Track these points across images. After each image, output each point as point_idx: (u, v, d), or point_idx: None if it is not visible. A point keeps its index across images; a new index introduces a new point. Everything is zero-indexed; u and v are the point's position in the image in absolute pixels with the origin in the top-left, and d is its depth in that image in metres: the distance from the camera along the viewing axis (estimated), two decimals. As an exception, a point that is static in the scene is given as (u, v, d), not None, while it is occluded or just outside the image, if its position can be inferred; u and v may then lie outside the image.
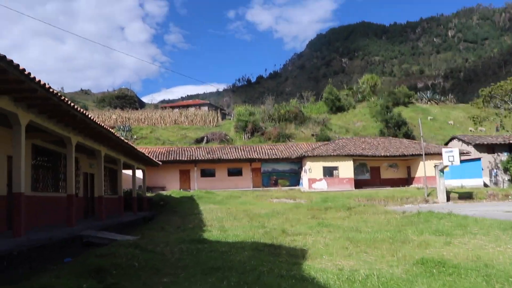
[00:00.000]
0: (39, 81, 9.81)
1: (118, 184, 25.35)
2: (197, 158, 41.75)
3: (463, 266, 8.10)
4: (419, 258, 9.01)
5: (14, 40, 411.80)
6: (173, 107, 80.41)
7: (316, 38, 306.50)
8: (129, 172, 30.83)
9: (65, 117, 13.31)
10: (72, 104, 12.07)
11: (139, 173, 32.78)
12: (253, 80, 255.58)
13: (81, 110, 12.97)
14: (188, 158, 41.74)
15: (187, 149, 45.50)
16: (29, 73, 9.30)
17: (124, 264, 8.36)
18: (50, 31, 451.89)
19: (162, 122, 63.54)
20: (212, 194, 34.37)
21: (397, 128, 55.35)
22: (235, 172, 44.12)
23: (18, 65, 8.78)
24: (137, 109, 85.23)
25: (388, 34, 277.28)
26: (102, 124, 15.58)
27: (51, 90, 10.54)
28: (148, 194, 34.18)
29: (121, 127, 56.48)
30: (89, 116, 13.72)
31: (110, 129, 16.73)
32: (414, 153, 40.80)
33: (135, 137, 54.74)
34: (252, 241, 12.72)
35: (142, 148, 32.28)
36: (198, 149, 45.45)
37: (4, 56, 8.22)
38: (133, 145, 22.70)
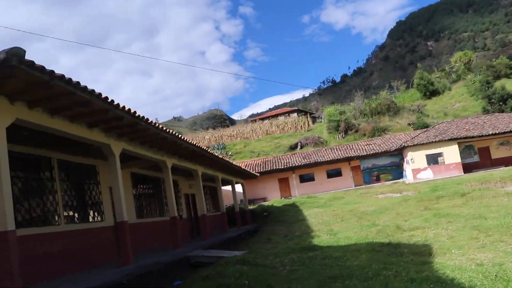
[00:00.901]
0: (124, 107, 9.60)
1: (219, 201, 25.25)
2: (294, 165, 41.15)
3: None
4: None
5: (108, 82, 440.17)
6: (263, 119, 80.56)
7: (396, 26, 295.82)
8: (228, 188, 30.82)
9: (156, 140, 13.17)
10: (160, 126, 11.86)
11: (238, 188, 32.69)
12: (337, 80, 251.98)
13: (171, 131, 12.76)
14: (285, 166, 41.27)
15: (283, 157, 45.08)
16: (113, 100, 9.09)
17: (233, 284, 7.76)
18: (139, 69, 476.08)
19: (254, 135, 63.86)
20: (314, 198, 33.50)
21: (503, 102, 51.11)
22: (334, 174, 42.95)
23: (100, 94, 8.58)
24: (228, 126, 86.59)
25: (475, 6, 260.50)
26: (195, 143, 15.39)
27: (136, 114, 10.32)
28: (250, 207, 33.98)
29: (215, 145, 57.34)
30: (179, 136, 13.51)
31: (202, 147, 16.51)
32: (526, 126, 37.34)
33: (230, 153, 55.31)
34: (366, 242, 11.76)
35: (238, 163, 32.24)
36: (293, 155, 44.88)
37: (85, 87, 8.02)
38: (228, 160, 22.50)
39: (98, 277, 9.01)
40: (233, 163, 24.16)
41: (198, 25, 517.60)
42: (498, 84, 56.75)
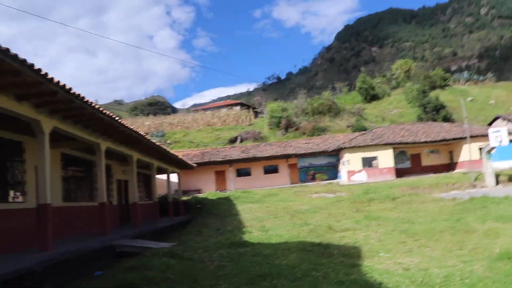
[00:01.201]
0: (58, 81, 9.03)
1: (152, 189, 24.69)
2: (232, 158, 40.91)
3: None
4: (503, 251, 7.76)
5: (50, 57, 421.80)
6: (205, 110, 79.72)
7: (344, 29, 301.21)
8: (163, 176, 30.21)
9: (91, 121, 12.56)
10: (97, 106, 11.29)
11: (174, 177, 32.12)
12: (283, 77, 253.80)
13: (108, 113, 12.19)
14: (223, 159, 40.95)
15: (222, 149, 44.76)
16: (46, 73, 8.52)
17: (158, 277, 7.44)
18: (83, 46, 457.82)
19: (195, 124, 63.03)
20: (250, 193, 33.44)
21: (436, 112, 53.19)
22: (271, 170, 43.13)
23: (33, 65, 8.01)
24: (169, 114, 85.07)
25: (417, 18, 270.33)
26: (133, 128, 14.82)
27: (72, 91, 9.75)
28: (184, 198, 33.50)
29: (154, 132, 56.18)
30: (117, 118, 12.95)
31: (140, 132, 15.95)
32: (456, 137, 38.90)
33: (169, 142, 54.33)
34: (297, 241, 11.71)
35: (175, 152, 31.61)
36: (232, 149, 44.65)
37: (16, 55, 7.44)
38: (166, 148, 21.96)
39: (13, 262, 8.38)
40: (171, 151, 23.60)
41: (149, 8, 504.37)
42: (433, 94, 58.99)
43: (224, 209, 26.74)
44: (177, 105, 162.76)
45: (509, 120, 41.87)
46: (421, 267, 7.61)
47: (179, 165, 29.61)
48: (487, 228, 11.07)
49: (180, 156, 26.79)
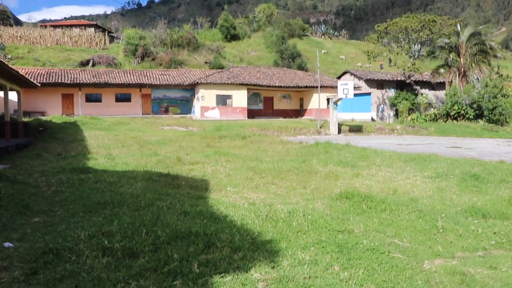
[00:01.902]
0: None
1: (-14, 105, 22.08)
2: (81, 82, 38.10)
3: (391, 201, 7.33)
4: (342, 191, 8.11)
5: None
6: (55, 27, 72.81)
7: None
8: (0, 93, 27.16)
9: None
10: None
11: (13, 96, 29.10)
12: (144, 4, 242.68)
13: None
14: (72, 81, 37.96)
15: (71, 71, 41.44)
16: None
17: (-22, 200, 6.50)
18: None
19: (42, 42, 57.27)
20: (98, 120, 31.72)
21: (292, 59, 55.10)
22: (123, 98, 41.33)
23: None
24: (11, 26, 76.30)
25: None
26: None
27: None
28: (25, 119, 30.68)
29: (-8, 44, 50.14)
30: None
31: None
32: (308, 85, 40.72)
33: (9, 56, 49.00)
34: (144, 170, 11.22)
35: (18, 68, 28.45)
36: (83, 72, 41.60)
37: None
38: (3, 60, 19.50)
39: None
40: (8, 65, 21.08)
41: None
42: (291, 42, 60.89)
43: (69, 134, 24.96)
44: (22, 18, 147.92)
45: (355, 76, 44.87)
46: (266, 202, 7.69)
47: (20, 82, 26.74)
48: (329, 170, 11.66)
49: (22, 73, 24.13)
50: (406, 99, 41.69)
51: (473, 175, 10.33)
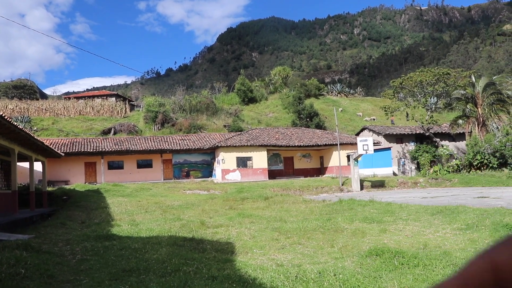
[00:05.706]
0: None
1: (12, 178, 22.48)
2: (103, 150, 38.84)
3: (423, 256, 7.12)
4: (371, 248, 7.93)
5: None
6: (78, 98, 75.08)
7: (227, 31, 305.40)
8: (25, 164, 27.71)
9: None
10: None
11: (38, 166, 29.65)
12: (162, 72, 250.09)
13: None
14: (94, 150, 38.72)
15: (93, 140, 42.35)
16: None
17: (5, 272, 6.48)
18: None
19: (65, 113, 58.98)
20: (121, 187, 32.00)
21: (309, 119, 55.61)
22: (145, 164, 41.83)
23: None
24: (37, 100, 78.90)
25: (297, 29, 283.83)
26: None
27: None
28: (49, 189, 31.09)
29: (19, 117, 51.65)
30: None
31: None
32: (327, 143, 40.82)
33: (35, 128, 50.44)
34: (169, 235, 11.16)
35: (42, 139, 29.16)
36: (105, 140, 42.46)
37: None
38: (29, 132, 20.04)
39: None
40: (34, 136, 21.63)
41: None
42: (307, 102, 61.71)
43: (92, 201, 25.16)
44: (48, 91, 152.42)
45: (374, 131, 44.94)
46: (294, 263, 7.53)
47: (45, 152, 27.36)
48: (355, 227, 11.46)
49: (46, 144, 24.72)
50: (427, 152, 41.39)
51: (505, 225, 10.03)
